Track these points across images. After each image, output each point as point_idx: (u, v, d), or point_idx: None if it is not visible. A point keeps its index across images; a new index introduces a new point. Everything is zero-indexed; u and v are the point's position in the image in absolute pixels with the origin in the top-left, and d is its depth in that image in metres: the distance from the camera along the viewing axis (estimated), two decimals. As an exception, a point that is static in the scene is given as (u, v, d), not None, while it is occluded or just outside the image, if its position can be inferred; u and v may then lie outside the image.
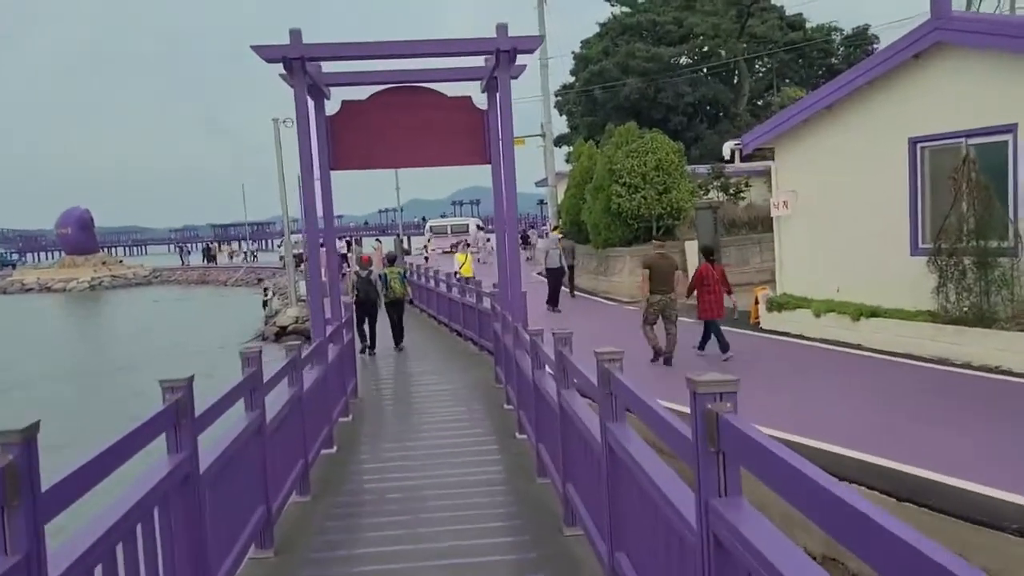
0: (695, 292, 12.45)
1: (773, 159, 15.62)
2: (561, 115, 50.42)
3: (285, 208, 31.00)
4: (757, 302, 15.76)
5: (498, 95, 9.86)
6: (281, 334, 26.15)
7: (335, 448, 8.72)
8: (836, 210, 14.22)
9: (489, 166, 10.49)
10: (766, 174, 30.16)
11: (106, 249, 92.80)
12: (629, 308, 20.40)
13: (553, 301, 20.22)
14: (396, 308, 15.95)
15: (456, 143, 10.23)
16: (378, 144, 10.18)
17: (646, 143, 22.23)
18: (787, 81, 49.33)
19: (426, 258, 45.48)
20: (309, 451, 7.25)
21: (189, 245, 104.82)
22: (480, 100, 10.42)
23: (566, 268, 21.51)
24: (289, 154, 34.15)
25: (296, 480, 6.76)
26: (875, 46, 54.25)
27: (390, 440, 8.98)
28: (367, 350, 15.57)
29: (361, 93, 10.26)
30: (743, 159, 15.91)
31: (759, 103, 52.67)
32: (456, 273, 19.35)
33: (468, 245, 16.74)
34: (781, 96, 44.59)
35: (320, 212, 10.39)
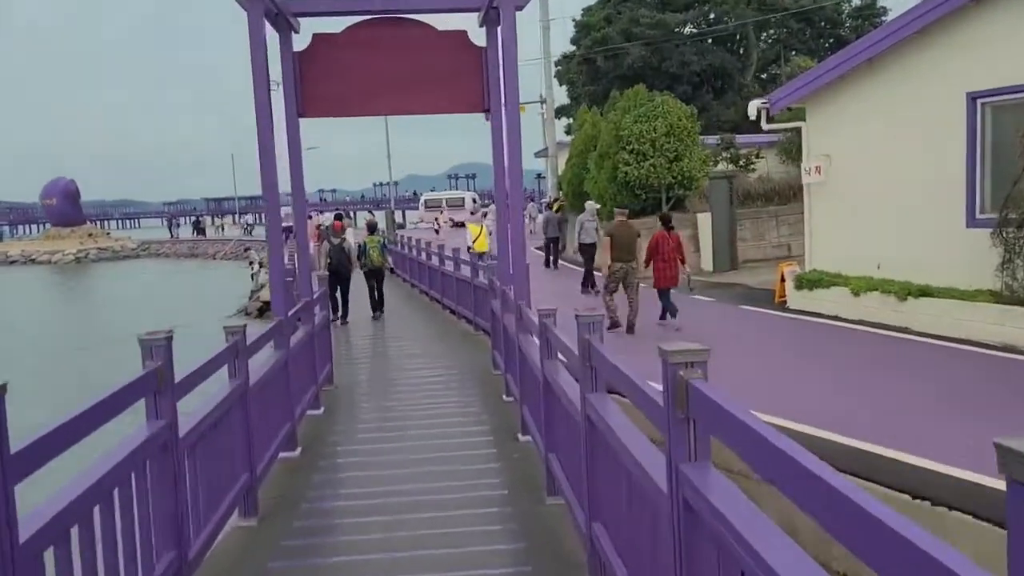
0: (651, 262, 12.29)
1: (804, 119, 14.00)
2: (561, 85, 48.56)
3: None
4: (783, 279, 14.22)
5: (499, 29, 8.23)
6: (264, 309, 24.58)
7: (298, 451, 7.20)
8: (877, 176, 12.64)
9: (487, 118, 8.90)
10: (778, 145, 28.68)
11: (98, 222, 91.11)
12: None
13: (588, 282, 16.86)
14: (374, 276, 15.92)
15: (448, 87, 8.60)
16: (356, 87, 8.54)
17: (656, 107, 20.58)
18: (794, 52, 47.54)
19: (436, 231, 43.48)
20: (256, 464, 5.71)
21: (179, 219, 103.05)
22: (478, 36, 8.78)
23: (557, 238, 20.86)
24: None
25: (236, 500, 5.24)
26: (884, 19, 52.70)
27: (367, 443, 7.46)
28: (339, 319, 15.33)
29: (337, 25, 8.62)
30: (769, 119, 14.26)
31: (765, 75, 51.01)
32: (469, 248, 17.58)
33: (485, 215, 13.86)
34: (791, 66, 42.87)
35: (287, 173, 8.79)
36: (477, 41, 8.72)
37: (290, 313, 7.41)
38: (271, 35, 8.15)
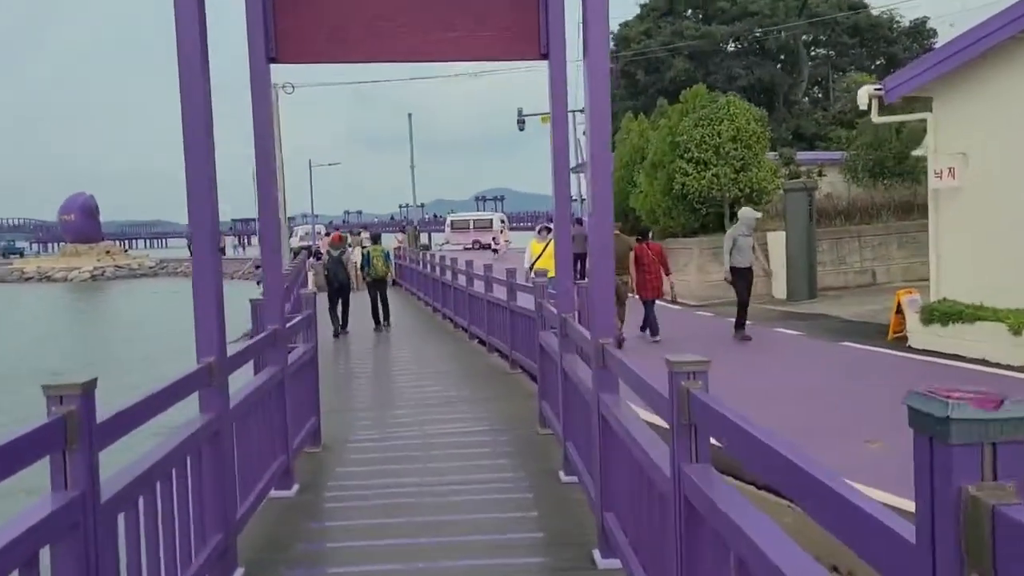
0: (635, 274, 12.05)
1: (931, 110, 11.10)
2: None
3: (283, 187, 26.89)
4: (899, 311, 11.31)
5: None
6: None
7: (241, 572, 4.44)
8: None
9: (543, 67, 6.19)
10: (844, 162, 25.85)
11: (126, 241, 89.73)
12: (700, 313, 15.98)
13: (741, 322, 12.46)
14: (378, 287, 15.56)
15: (486, 20, 5.86)
16: (356, 18, 5.83)
17: (719, 109, 17.78)
18: (842, 72, 44.74)
19: (495, 250, 40.31)
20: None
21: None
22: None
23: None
24: (289, 128, 29.66)
25: None
26: (934, 41, 50.23)
27: (359, 559, 4.68)
28: (339, 333, 14.99)
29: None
30: (882, 109, 11.43)
31: (815, 90, 48.16)
32: (529, 268, 14.35)
33: (549, 231, 10.76)
34: (847, 81, 40.01)
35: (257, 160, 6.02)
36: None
37: (229, 356, 4.63)
38: None
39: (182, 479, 3.79)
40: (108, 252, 66.72)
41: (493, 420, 7.91)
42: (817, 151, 32.77)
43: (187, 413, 4.24)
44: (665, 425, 3.04)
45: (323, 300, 17.49)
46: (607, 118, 4.61)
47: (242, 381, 5.27)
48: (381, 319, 15.58)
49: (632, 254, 12.14)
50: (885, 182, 22.55)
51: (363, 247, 16.79)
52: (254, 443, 5.10)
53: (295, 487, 5.93)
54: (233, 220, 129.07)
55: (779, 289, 17.13)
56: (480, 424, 7.78)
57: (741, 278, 12.19)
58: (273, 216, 6.09)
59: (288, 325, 6.24)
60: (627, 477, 3.86)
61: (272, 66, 6.00)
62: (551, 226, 12.01)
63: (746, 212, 12.70)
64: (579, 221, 22.50)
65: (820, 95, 47.86)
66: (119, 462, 3.30)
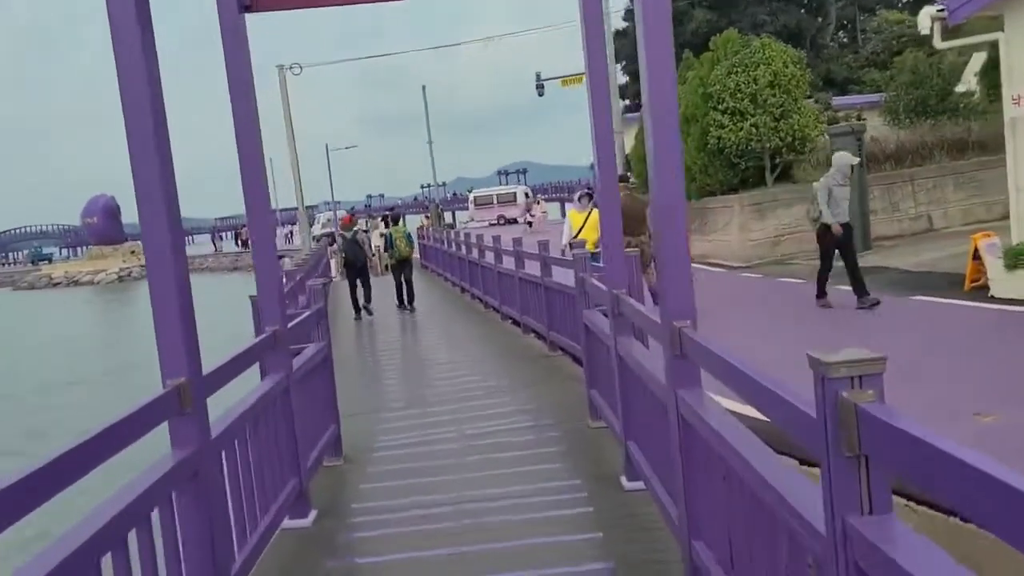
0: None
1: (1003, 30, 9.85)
2: (617, 63, 44.46)
3: (297, 175, 25.98)
4: (976, 257, 10.17)
5: None
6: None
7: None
8: None
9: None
10: (885, 104, 24.42)
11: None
12: (746, 275, 14.89)
13: (822, 289, 10.81)
14: (403, 268, 15.33)
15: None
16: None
17: (754, 52, 16.51)
18: (878, 7, 42.77)
19: (529, 223, 39.05)
20: None
21: (223, 232, 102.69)
22: None
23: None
24: (300, 110, 28.70)
25: None
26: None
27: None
28: (361, 313, 14.86)
29: None
30: (946, 33, 10.20)
31: (841, 35, 46.23)
32: (568, 245, 13.05)
33: (591, 198, 9.13)
34: (878, 20, 38.15)
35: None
36: None
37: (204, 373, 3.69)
38: None
39: (146, 542, 2.88)
40: (133, 252, 66.56)
41: (538, 412, 6.96)
42: (851, 95, 31.25)
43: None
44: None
45: (343, 286, 17.17)
46: (668, 48, 3.54)
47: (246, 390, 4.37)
48: (406, 300, 15.41)
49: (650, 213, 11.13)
50: (929, 121, 21.27)
51: (381, 231, 16.48)
52: (252, 472, 4.20)
53: (312, 514, 5.03)
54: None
55: (829, 243, 15.95)
56: (524, 418, 6.83)
57: (825, 239, 10.47)
58: (261, 199, 5.11)
59: (293, 324, 5.30)
60: (731, 506, 2.87)
61: (248, 16, 5.04)
62: (592, 192, 10.87)
63: (842, 157, 10.66)
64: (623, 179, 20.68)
65: (846, 40, 45.98)
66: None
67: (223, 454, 3.77)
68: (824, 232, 10.42)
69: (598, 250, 10.01)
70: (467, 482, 5.32)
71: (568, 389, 7.55)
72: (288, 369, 4.99)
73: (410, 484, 5.42)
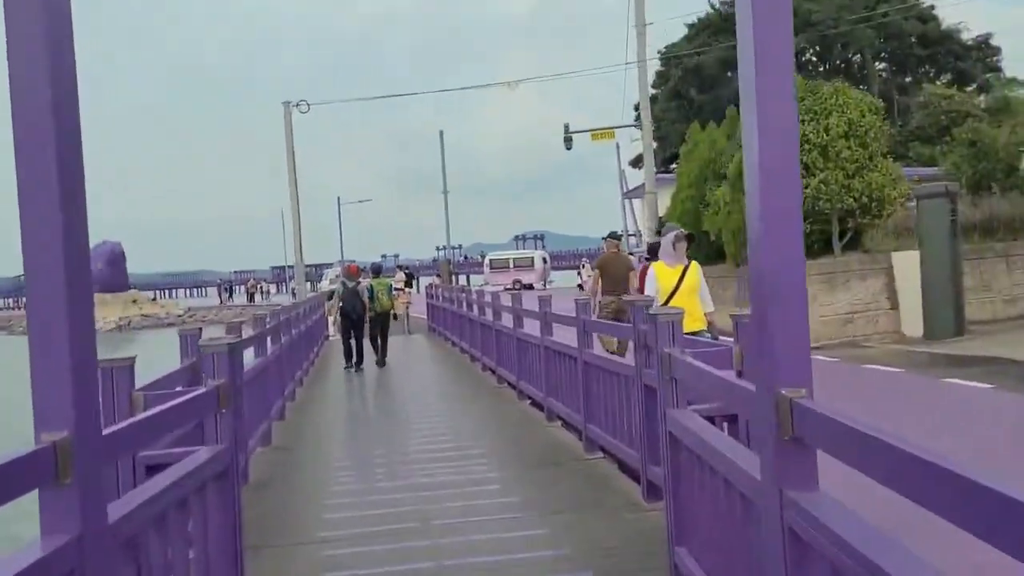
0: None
1: None
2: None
3: (298, 224, 23.77)
4: None
5: None
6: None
7: None
8: None
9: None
10: (933, 179, 22.36)
11: (165, 291, 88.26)
12: (819, 358, 12.28)
13: None
14: (381, 322, 15.28)
15: None
16: None
17: (825, 99, 14.19)
18: (919, 84, 41.06)
19: (580, 286, 35.96)
20: None
21: (236, 286, 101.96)
22: None
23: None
24: (302, 142, 26.70)
25: None
26: (998, 59, 46.64)
27: None
28: (353, 367, 14.72)
29: None
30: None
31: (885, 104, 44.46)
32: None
33: (689, 240, 6.88)
34: (924, 94, 36.21)
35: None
36: None
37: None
38: None
39: None
40: (134, 301, 64.93)
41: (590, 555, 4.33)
42: (919, 166, 29.16)
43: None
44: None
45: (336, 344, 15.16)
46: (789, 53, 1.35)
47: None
48: (376, 356, 15.22)
49: (639, 276, 9.45)
50: (995, 195, 19.22)
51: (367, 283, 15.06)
52: None
53: None
54: (272, 267, 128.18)
55: (911, 324, 13.40)
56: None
57: None
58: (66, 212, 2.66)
59: (129, 423, 2.76)
60: None
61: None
62: (693, 235, 8.19)
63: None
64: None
65: (900, 110, 44.38)
66: None
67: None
68: None
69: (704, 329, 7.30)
70: None
71: (622, 524, 4.95)
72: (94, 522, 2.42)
73: None
